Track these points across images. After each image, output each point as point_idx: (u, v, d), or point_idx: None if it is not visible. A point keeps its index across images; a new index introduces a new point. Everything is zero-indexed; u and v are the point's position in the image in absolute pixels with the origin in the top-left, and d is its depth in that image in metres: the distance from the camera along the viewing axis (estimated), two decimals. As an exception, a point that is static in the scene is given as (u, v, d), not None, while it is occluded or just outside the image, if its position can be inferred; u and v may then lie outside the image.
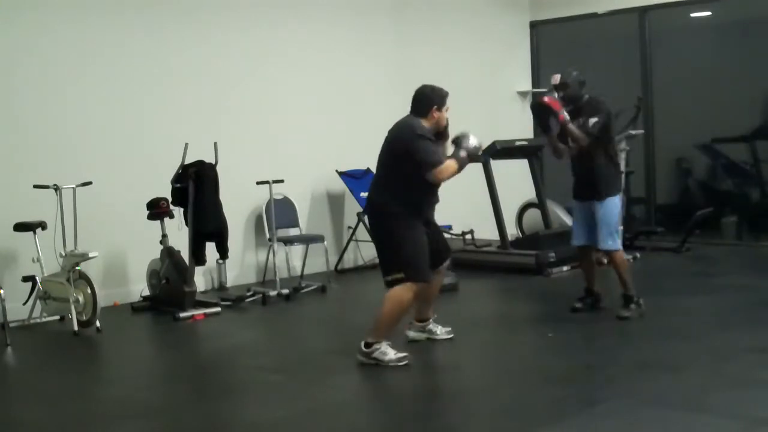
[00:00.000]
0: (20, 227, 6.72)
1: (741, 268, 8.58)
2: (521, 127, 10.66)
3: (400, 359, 5.29)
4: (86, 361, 6.06)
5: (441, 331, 5.87)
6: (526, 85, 11.16)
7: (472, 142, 5.43)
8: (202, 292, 7.63)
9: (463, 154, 5.38)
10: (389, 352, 5.31)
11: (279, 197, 8.32)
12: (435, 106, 5.43)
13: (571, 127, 6.12)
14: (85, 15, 7.39)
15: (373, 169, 9.31)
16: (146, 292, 7.41)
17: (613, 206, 6.23)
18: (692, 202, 10.55)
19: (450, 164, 5.33)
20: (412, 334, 5.87)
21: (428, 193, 5.47)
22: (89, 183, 6.90)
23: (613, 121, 6.29)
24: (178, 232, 7.12)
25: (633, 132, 9.00)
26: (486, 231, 9.00)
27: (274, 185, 7.97)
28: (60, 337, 6.53)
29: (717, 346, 5.48)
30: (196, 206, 7.00)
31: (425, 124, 5.44)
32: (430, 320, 5.91)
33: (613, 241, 6.25)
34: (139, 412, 4.73)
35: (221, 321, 6.92)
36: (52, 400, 5.03)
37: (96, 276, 6.89)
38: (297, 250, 8.68)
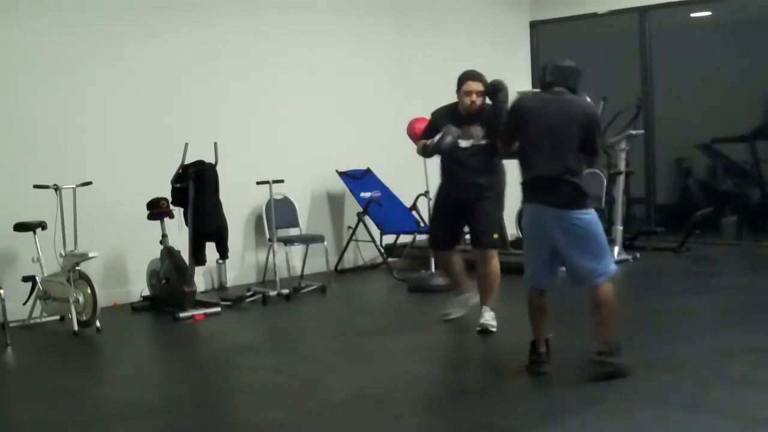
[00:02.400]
0: (20, 227, 6.72)
1: (741, 268, 8.58)
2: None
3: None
4: (86, 361, 6.06)
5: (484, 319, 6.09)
6: (526, 85, 11.14)
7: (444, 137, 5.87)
8: (202, 292, 7.63)
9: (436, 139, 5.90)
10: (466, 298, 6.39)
11: (279, 197, 8.33)
12: (456, 90, 6.05)
13: None
14: (85, 16, 7.39)
15: (373, 169, 9.43)
16: (146, 292, 7.42)
17: None
18: (692, 202, 10.56)
19: (420, 144, 6.18)
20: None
21: (448, 170, 6.10)
22: (89, 183, 6.90)
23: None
24: (178, 232, 7.12)
25: (633, 132, 9.00)
26: (486, 231, 8.98)
27: (274, 185, 7.97)
28: (60, 337, 6.53)
29: (717, 346, 5.47)
30: (196, 206, 7.00)
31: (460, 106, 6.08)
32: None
33: None
34: (139, 412, 4.73)
35: (221, 321, 6.92)
36: (52, 400, 5.03)
37: (96, 276, 6.90)
38: (297, 250, 8.68)
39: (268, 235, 8.20)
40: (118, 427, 4.52)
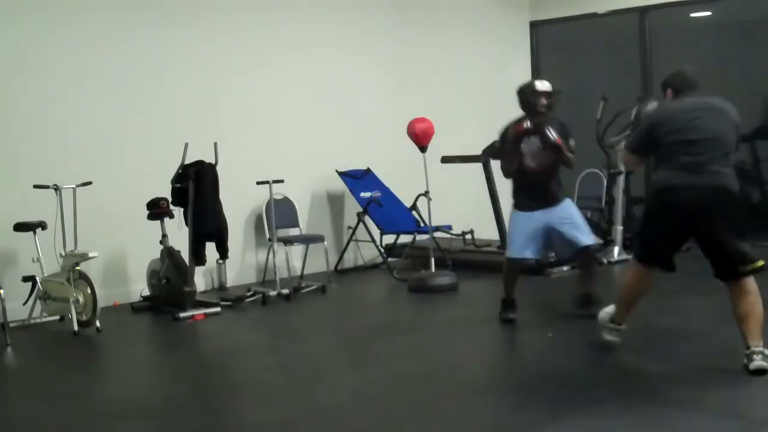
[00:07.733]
0: (20, 227, 6.72)
1: (741, 268, 8.56)
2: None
3: None
4: (86, 361, 6.07)
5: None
6: (526, 86, 11.14)
7: None
8: (202, 292, 7.63)
9: None
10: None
11: (279, 197, 8.32)
12: None
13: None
14: (85, 16, 7.39)
15: (373, 169, 9.38)
16: (146, 292, 7.41)
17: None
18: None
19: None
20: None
21: None
22: (89, 183, 6.90)
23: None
24: (178, 232, 7.12)
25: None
26: (486, 231, 8.99)
27: (274, 185, 7.97)
28: (60, 337, 6.53)
29: (717, 346, 5.47)
30: (196, 206, 7.00)
31: None
32: None
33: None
34: (139, 412, 4.73)
35: (221, 321, 6.92)
36: (52, 400, 5.03)
37: (96, 276, 6.90)
38: (297, 250, 8.69)
39: (268, 235, 8.20)
40: (118, 427, 4.52)
